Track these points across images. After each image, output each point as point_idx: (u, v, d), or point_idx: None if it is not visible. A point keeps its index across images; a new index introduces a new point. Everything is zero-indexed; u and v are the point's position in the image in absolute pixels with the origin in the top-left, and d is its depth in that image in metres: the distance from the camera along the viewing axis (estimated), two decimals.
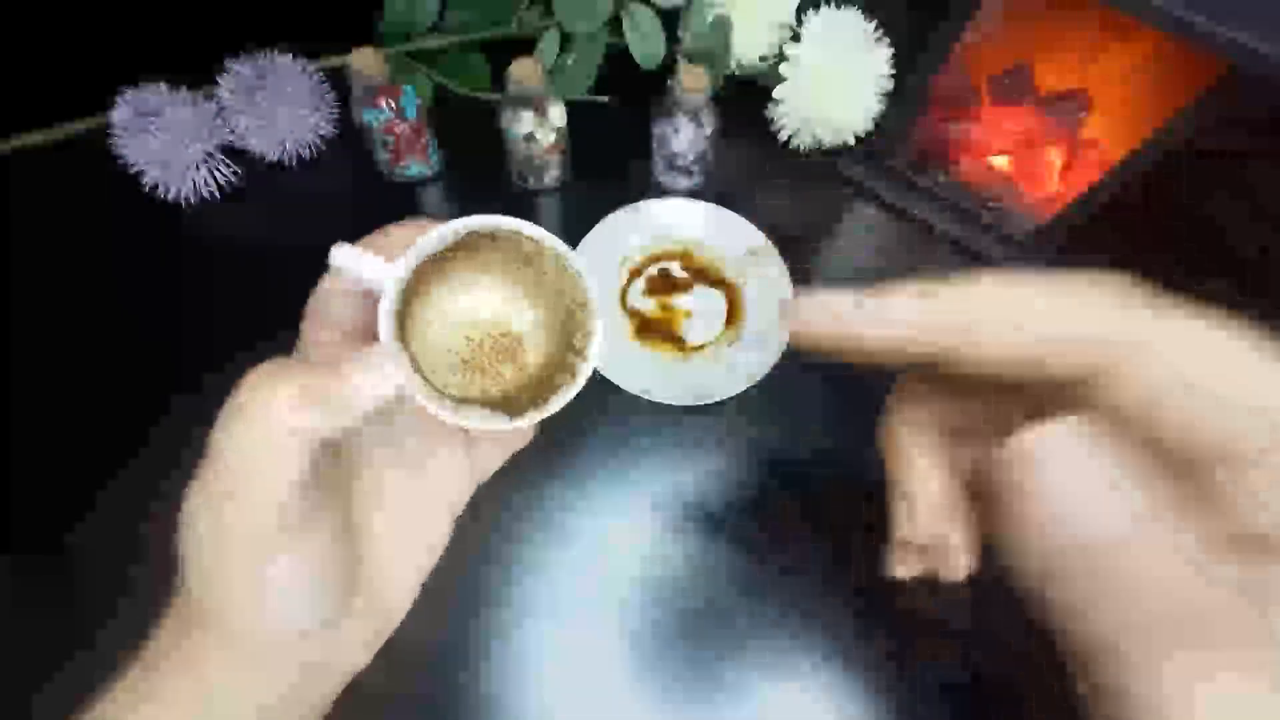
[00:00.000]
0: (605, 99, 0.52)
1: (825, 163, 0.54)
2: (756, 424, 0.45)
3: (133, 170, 0.48)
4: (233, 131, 0.49)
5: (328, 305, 0.22)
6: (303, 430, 0.17)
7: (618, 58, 0.52)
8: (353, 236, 0.22)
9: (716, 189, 0.53)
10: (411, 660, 0.31)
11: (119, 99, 0.47)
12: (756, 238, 0.50)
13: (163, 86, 0.47)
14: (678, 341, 0.47)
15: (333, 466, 0.21)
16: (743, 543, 0.41)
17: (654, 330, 0.48)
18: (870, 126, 0.52)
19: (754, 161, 0.55)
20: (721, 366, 0.46)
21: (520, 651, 0.38)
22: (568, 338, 0.24)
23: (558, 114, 0.47)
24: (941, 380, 0.20)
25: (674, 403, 0.44)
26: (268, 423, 0.17)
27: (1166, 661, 0.14)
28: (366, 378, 0.18)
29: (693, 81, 0.46)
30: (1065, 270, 0.19)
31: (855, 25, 0.49)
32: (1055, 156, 0.51)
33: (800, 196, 0.54)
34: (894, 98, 0.50)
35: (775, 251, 0.49)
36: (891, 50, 0.49)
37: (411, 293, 0.22)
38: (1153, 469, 0.15)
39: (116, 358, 0.44)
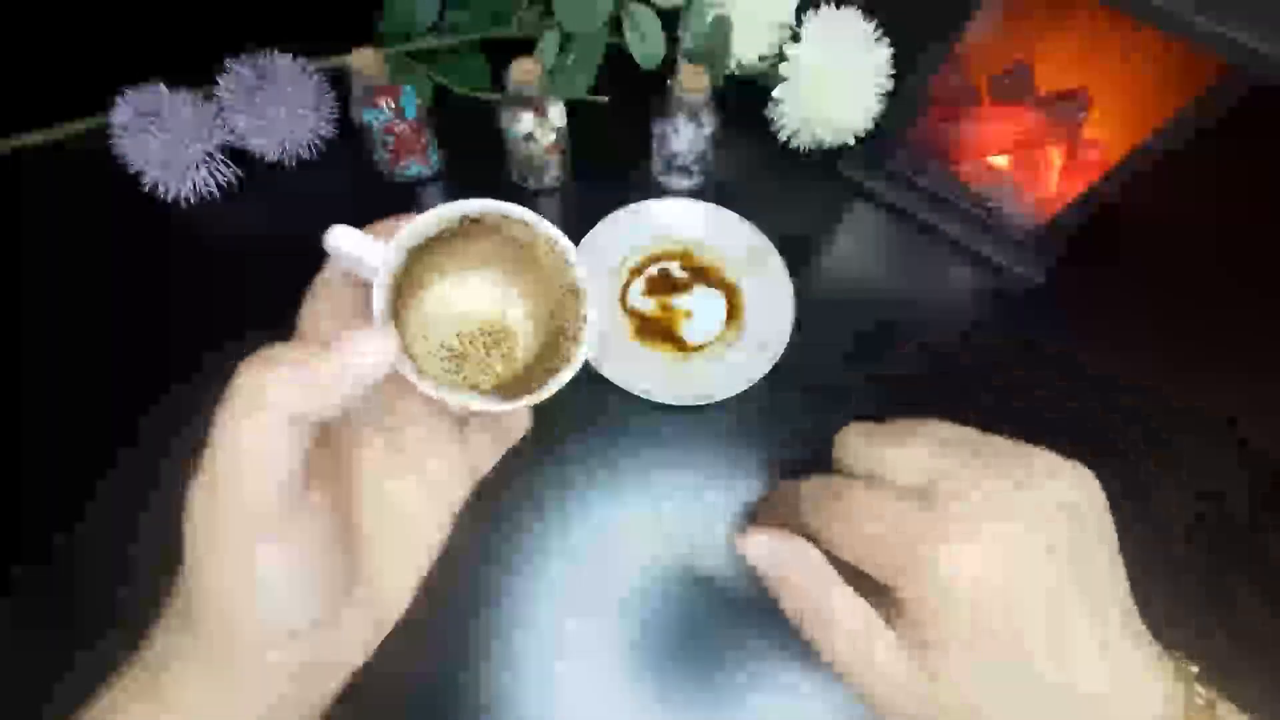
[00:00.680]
0: (605, 99, 0.52)
1: (825, 163, 0.54)
2: (756, 424, 0.45)
3: (133, 170, 0.48)
4: (233, 131, 0.49)
5: (323, 292, 0.22)
6: (291, 407, 0.17)
7: (618, 58, 0.52)
8: None
9: (716, 189, 0.53)
10: (410, 660, 0.31)
11: (119, 99, 0.47)
12: (756, 238, 0.50)
13: (163, 86, 0.47)
14: (678, 341, 0.47)
15: (326, 459, 0.21)
16: None
17: (654, 330, 0.48)
18: (870, 126, 0.52)
19: (754, 161, 0.55)
20: (721, 366, 0.46)
21: (520, 651, 0.38)
22: (559, 328, 0.25)
23: (558, 114, 0.47)
24: None
25: (674, 403, 0.44)
26: (259, 402, 0.17)
27: None
28: (357, 356, 0.18)
29: (693, 81, 0.46)
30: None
31: (855, 25, 0.49)
32: (1055, 156, 0.51)
33: (800, 196, 0.54)
34: (894, 98, 0.50)
35: (775, 251, 0.49)
36: (891, 50, 0.49)
37: (403, 288, 0.22)
38: None
39: (116, 358, 0.44)
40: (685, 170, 0.52)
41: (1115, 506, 0.23)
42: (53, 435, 0.42)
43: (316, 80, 0.50)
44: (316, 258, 0.22)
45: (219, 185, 0.49)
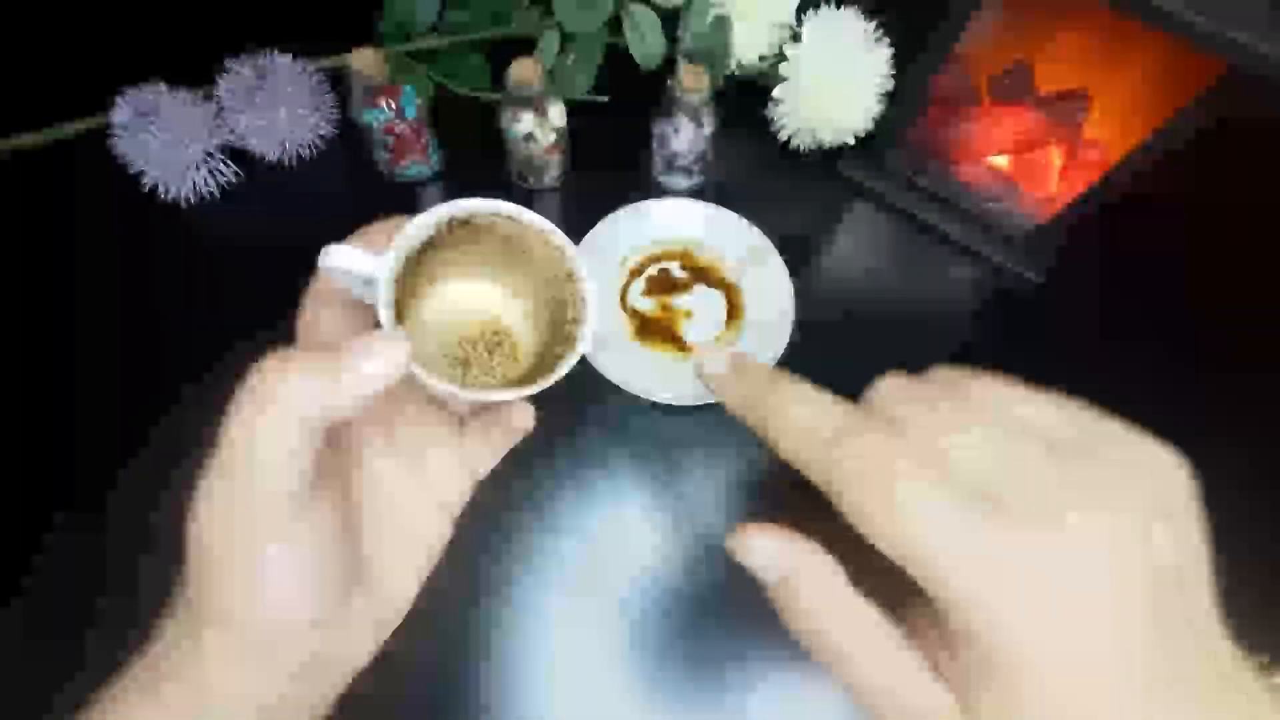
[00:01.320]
0: (605, 99, 0.52)
1: (825, 163, 0.54)
2: None
3: (133, 170, 0.48)
4: (233, 131, 0.49)
5: (317, 304, 0.23)
6: (304, 410, 0.18)
7: (618, 58, 0.52)
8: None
9: (716, 189, 0.53)
10: (410, 659, 0.31)
11: (119, 99, 0.47)
12: (756, 238, 0.50)
13: (163, 86, 0.47)
14: (678, 341, 0.47)
15: (332, 460, 0.21)
16: None
17: (654, 330, 0.48)
18: (870, 126, 0.52)
19: (754, 161, 0.55)
20: None
21: (520, 651, 0.38)
22: (560, 316, 0.25)
23: (558, 114, 0.47)
24: None
25: (674, 403, 0.44)
26: (273, 404, 0.17)
27: None
28: (370, 360, 0.18)
29: (693, 81, 0.46)
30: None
31: (855, 25, 0.49)
32: (1055, 156, 0.51)
33: (800, 196, 0.54)
34: (894, 98, 0.50)
35: (775, 251, 0.49)
36: (891, 50, 0.49)
37: (401, 299, 0.22)
38: None
39: (116, 358, 0.44)
40: (685, 170, 0.52)
41: None
42: (53, 435, 0.42)
43: (316, 80, 0.50)
44: (316, 259, 0.22)
45: (219, 185, 0.49)
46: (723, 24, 0.50)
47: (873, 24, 0.49)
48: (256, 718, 0.20)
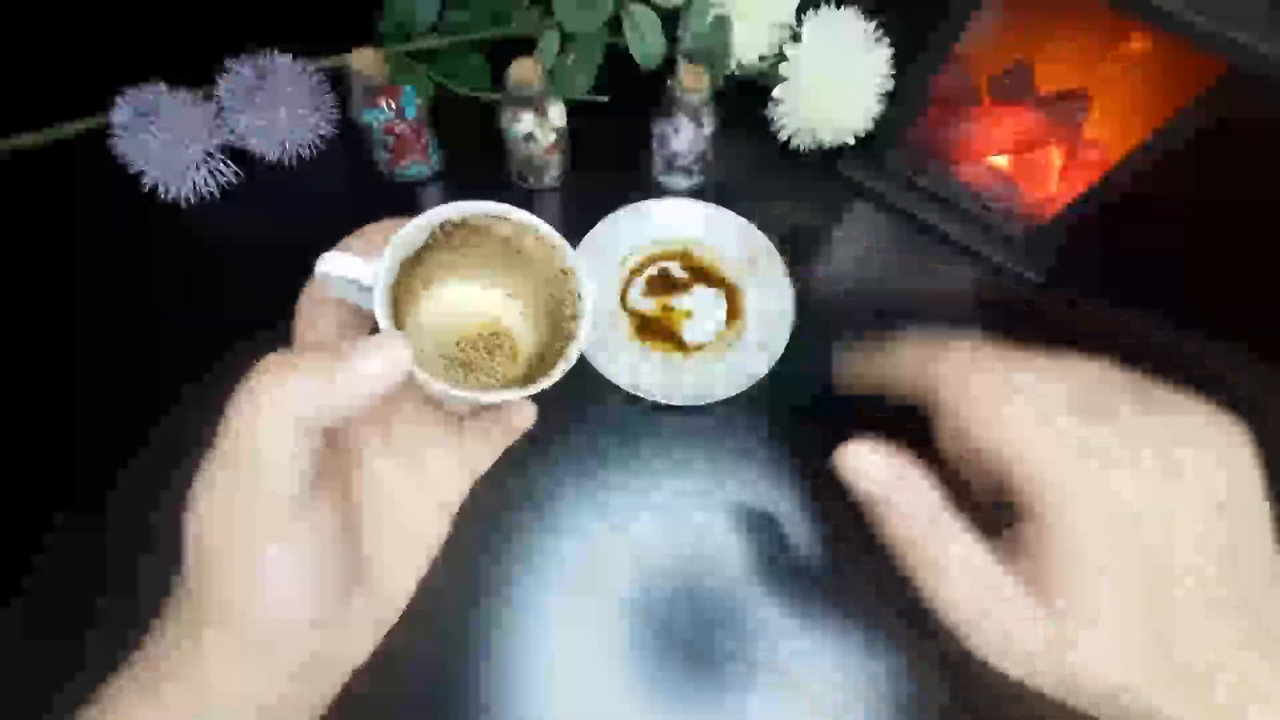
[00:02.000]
0: (605, 99, 0.52)
1: (825, 163, 0.54)
2: (756, 424, 0.45)
3: (133, 170, 0.48)
4: (233, 131, 0.49)
5: (313, 309, 0.23)
6: (305, 412, 0.18)
7: (618, 58, 0.52)
8: None
9: (716, 189, 0.53)
10: (410, 659, 0.31)
11: (119, 99, 0.47)
12: (757, 238, 0.50)
13: (163, 86, 0.47)
14: (678, 341, 0.47)
15: (331, 461, 0.21)
16: (743, 542, 0.41)
17: (654, 330, 0.48)
18: (870, 126, 0.52)
19: (754, 161, 0.55)
20: (722, 366, 0.46)
21: (520, 651, 0.38)
22: (559, 313, 0.25)
23: (558, 114, 0.47)
24: None
25: (674, 403, 0.44)
26: (274, 405, 0.17)
27: None
28: (371, 362, 0.18)
29: (693, 81, 0.46)
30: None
31: (855, 25, 0.49)
32: (1055, 156, 0.51)
33: (800, 196, 0.54)
34: (894, 98, 0.50)
35: (775, 251, 0.49)
36: (891, 50, 0.49)
37: (398, 302, 0.22)
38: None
39: (116, 358, 0.44)
40: (685, 170, 0.52)
41: None
42: (53, 435, 0.42)
43: (316, 80, 0.50)
44: (316, 259, 0.22)
45: (219, 185, 0.49)
46: (723, 24, 0.50)
47: (873, 24, 0.49)
48: (256, 717, 0.20)
